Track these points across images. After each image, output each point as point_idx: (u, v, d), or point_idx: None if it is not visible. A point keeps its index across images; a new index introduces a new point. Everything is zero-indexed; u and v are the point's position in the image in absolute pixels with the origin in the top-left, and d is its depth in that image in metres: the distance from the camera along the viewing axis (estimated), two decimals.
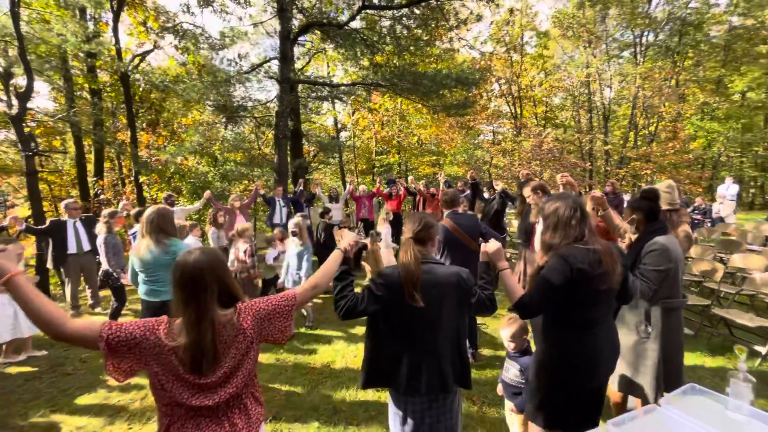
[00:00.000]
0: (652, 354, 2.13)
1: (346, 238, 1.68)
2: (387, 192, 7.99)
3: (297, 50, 12.42)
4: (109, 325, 1.15)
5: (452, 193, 3.41)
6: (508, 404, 2.33)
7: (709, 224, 8.85)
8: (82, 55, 9.53)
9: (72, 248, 5.10)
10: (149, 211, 2.73)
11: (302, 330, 4.49)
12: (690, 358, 3.65)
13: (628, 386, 2.24)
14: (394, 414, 1.78)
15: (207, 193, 6.40)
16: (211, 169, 12.58)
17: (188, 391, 1.18)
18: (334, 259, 1.63)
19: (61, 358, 3.94)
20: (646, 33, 18.57)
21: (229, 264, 5.11)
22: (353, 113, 17.66)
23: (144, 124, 12.76)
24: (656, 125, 18.94)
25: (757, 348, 3.59)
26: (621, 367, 2.24)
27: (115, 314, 4.53)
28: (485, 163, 19.01)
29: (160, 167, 10.75)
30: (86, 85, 10.89)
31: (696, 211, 9.32)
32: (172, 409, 1.20)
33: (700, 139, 17.73)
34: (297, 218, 4.40)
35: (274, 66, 10.46)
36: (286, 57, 8.52)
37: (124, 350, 1.14)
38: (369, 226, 7.42)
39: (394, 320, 1.66)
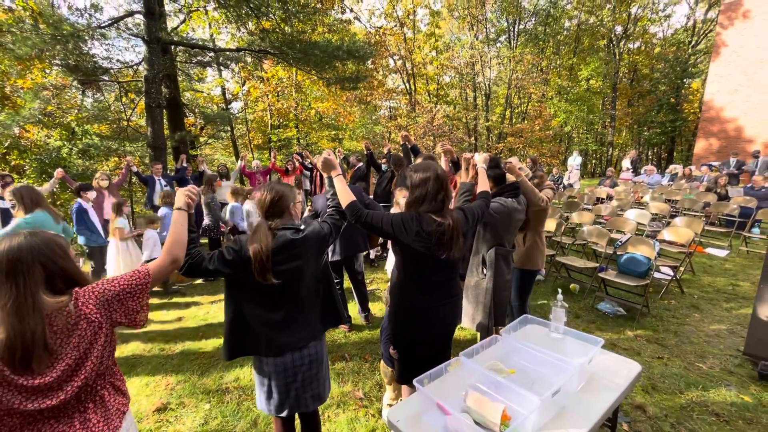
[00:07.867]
0: (487, 291, 2.57)
1: (180, 196, 1.50)
2: (283, 168, 7.77)
3: (169, 6, 10.80)
4: None
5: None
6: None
7: (562, 190, 10.69)
8: None
9: None
10: None
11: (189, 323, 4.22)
12: (541, 298, 4.49)
13: (472, 320, 2.67)
14: (259, 384, 1.77)
15: (58, 172, 5.35)
16: (65, 143, 10.45)
17: (20, 395, 1.03)
18: (180, 221, 1.45)
19: None
20: (517, 21, 20.83)
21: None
22: (243, 83, 16.27)
23: None
24: (527, 104, 21.70)
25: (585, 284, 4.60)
26: (466, 305, 2.66)
27: None
28: (383, 138, 19.57)
29: None
30: None
31: (552, 179, 11.14)
32: (1, 421, 1.04)
33: (558, 118, 20.89)
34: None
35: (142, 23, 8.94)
36: (152, 12, 7.35)
37: None
38: None
39: (252, 284, 1.62)
